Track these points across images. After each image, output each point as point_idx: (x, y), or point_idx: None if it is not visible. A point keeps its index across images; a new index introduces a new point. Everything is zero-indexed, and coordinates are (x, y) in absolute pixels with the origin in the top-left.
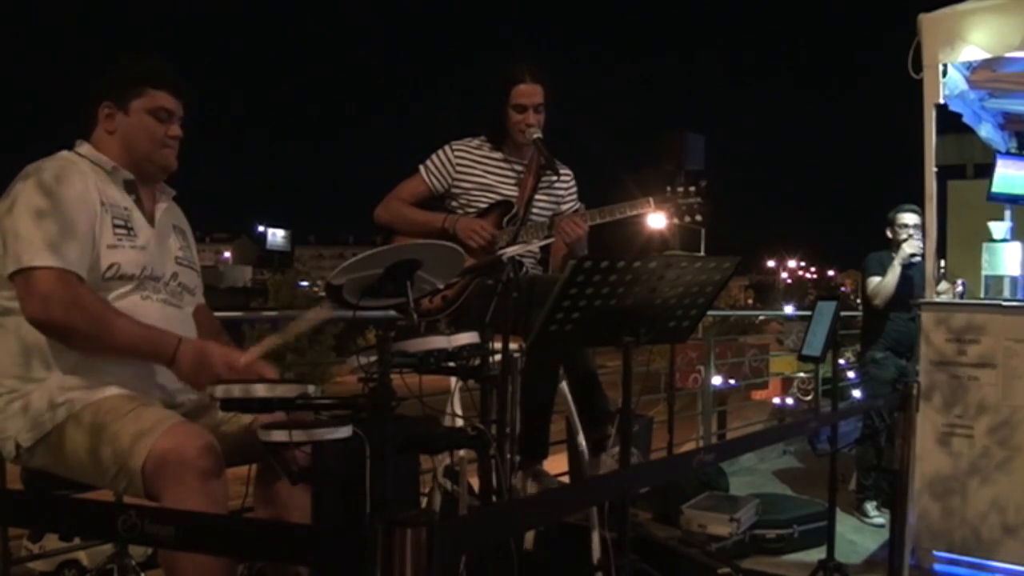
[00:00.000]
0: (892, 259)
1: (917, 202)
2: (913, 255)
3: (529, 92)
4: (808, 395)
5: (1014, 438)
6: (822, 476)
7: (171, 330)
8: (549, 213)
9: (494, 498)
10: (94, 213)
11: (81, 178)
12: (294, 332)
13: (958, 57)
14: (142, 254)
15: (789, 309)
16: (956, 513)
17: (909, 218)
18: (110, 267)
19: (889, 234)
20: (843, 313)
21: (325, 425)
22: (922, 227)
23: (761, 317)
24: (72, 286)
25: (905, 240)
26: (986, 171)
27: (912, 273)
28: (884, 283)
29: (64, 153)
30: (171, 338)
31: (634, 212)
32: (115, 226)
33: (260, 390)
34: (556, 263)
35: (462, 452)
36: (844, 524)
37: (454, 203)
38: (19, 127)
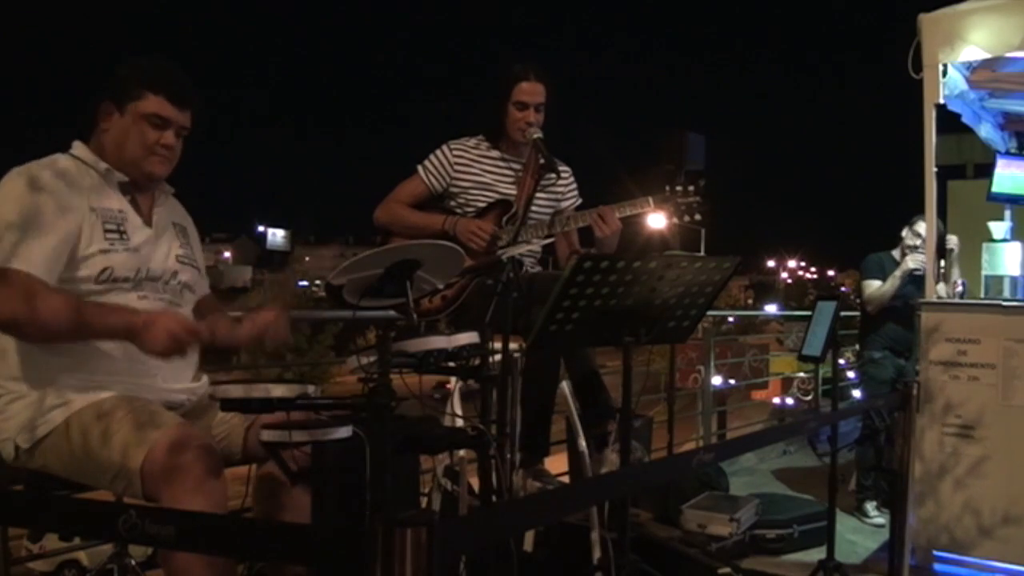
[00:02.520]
0: (892, 260)
1: (917, 202)
2: (915, 270)
3: (531, 90)
4: (808, 395)
5: (1014, 438)
6: (822, 476)
7: None
8: (549, 212)
9: (494, 498)
10: (78, 218)
11: (67, 182)
12: None
13: (958, 57)
14: (136, 256)
15: (772, 308)
16: (956, 513)
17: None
18: (103, 271)
19: (904, 234)
20: (843, 313)
21: (325, 425)
22: (942, 234)
23: (760, 317)
24: (25, 284)
25: (915, 248)
26: (986, 171)
27: (907, 284)
28: (882, 291)
29: (57, 156)
30: (136, 316)
31: (633, 212)
32: (106, 230)
33: (260, 390)
34: (563, 263)
35: (462, 452)
36: (844, 524)
37: (453, 203)
38: (20, 125)
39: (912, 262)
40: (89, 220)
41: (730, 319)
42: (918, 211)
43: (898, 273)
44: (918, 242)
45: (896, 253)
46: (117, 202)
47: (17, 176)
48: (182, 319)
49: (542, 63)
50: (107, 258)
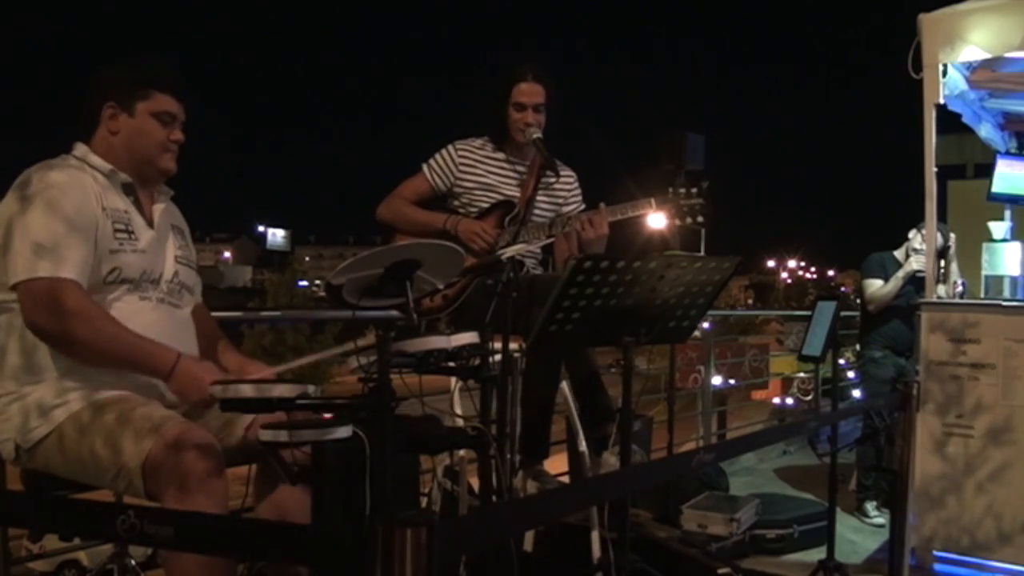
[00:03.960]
0: (894, 260)
1: (917, 202)
2: (918, 271)
3: (529, 91)
4: (808, 395)
5: (1014, 438)
6: (822, 476)
7: (170, 329)
8: (551, 214)
9: (494, 498)
10: (94, 218)
11: (80, 183)
12: (300, 363)
13: (958, 57)
14: (143, 257)
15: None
16: (956, 513)
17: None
18: (112, 271)
19: (911, 236)
20: (843, 313)
21: (325, 425)
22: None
23: (760, 317)
24: (70, 295)
25: (921, 251)
26: (986, 171)
27: (908, 284)
28: (884, 291)
29: (64, 157)
30: (170, 353)
31: (635, 213)
32: (116, 230)
33: (260, 390)
34: (560, 264)
35: (462, 452)
36: (844, 524)
37: (456, 202)
38: (18, 125)
39: (916, 264)
40: (102, 221)
41: (705, 326)
42: (918, 211)
43: (900, 274)
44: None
45: (899, 254)
46: (122, 203)
47: (40, 179)
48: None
49: (543, 64)
50: (116, 258)
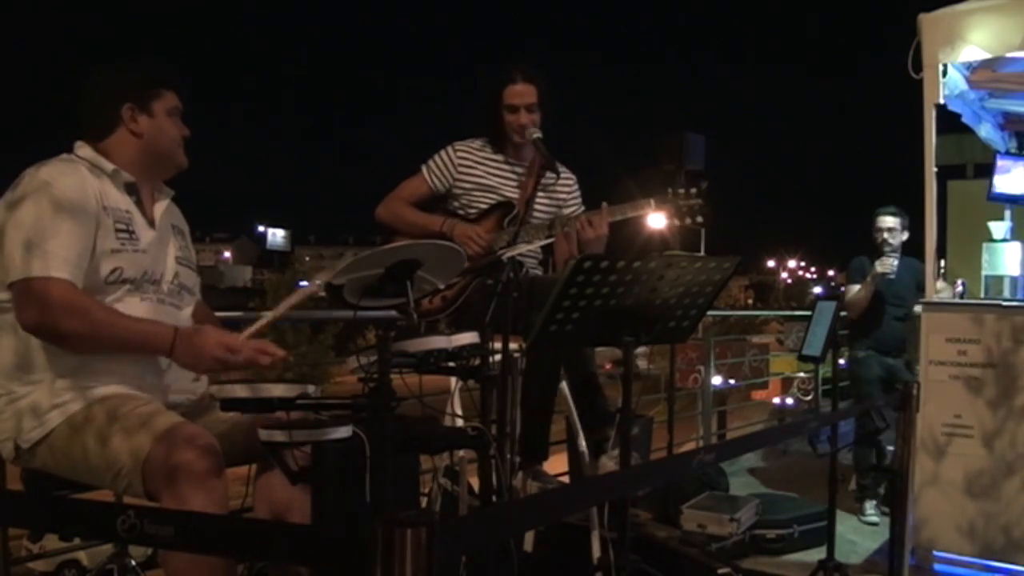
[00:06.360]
0: (872, 265)
1: (917, 202)
2: (885, 274)
3: (520, 92)
4: (808, 395)
5: (1014, 439)
6: (822, 476)
7: None
8: (550, 215)
9: (494, 498)
10: (94, 218)
11: (81, 183)
12: (286, 307)
13: (958, 57)
14: (144, 257)
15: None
16: (956, 513)
17: (885, 221)
18: (113, 271)
19: (874, 235)
20: (843, 313)
21: (325, 425)
22: (908, 228)
23: (760, 317)
24: (57, 290)
25: (881, 243)
26: (986, 171)
27: (892, 279)
28: (857, 297)
29: (64, 156)
30: (167, 329)
31: (635, 214)
32: (117, 230)
33: (260, 390)
34: (561, 265)
35: (462, 452)
36: (844, 524)
37: (455, 203)
38: (16, 126)
39: (880, 267)
40: (103, 220)
41: (730, 319)
42: (919, 210)
43: (868, 279)
44: (884, 235)
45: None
46: (124, 202)
47: (35, 178)
48: (222, 337)
49: (532, 63)
50: (117, 258)
